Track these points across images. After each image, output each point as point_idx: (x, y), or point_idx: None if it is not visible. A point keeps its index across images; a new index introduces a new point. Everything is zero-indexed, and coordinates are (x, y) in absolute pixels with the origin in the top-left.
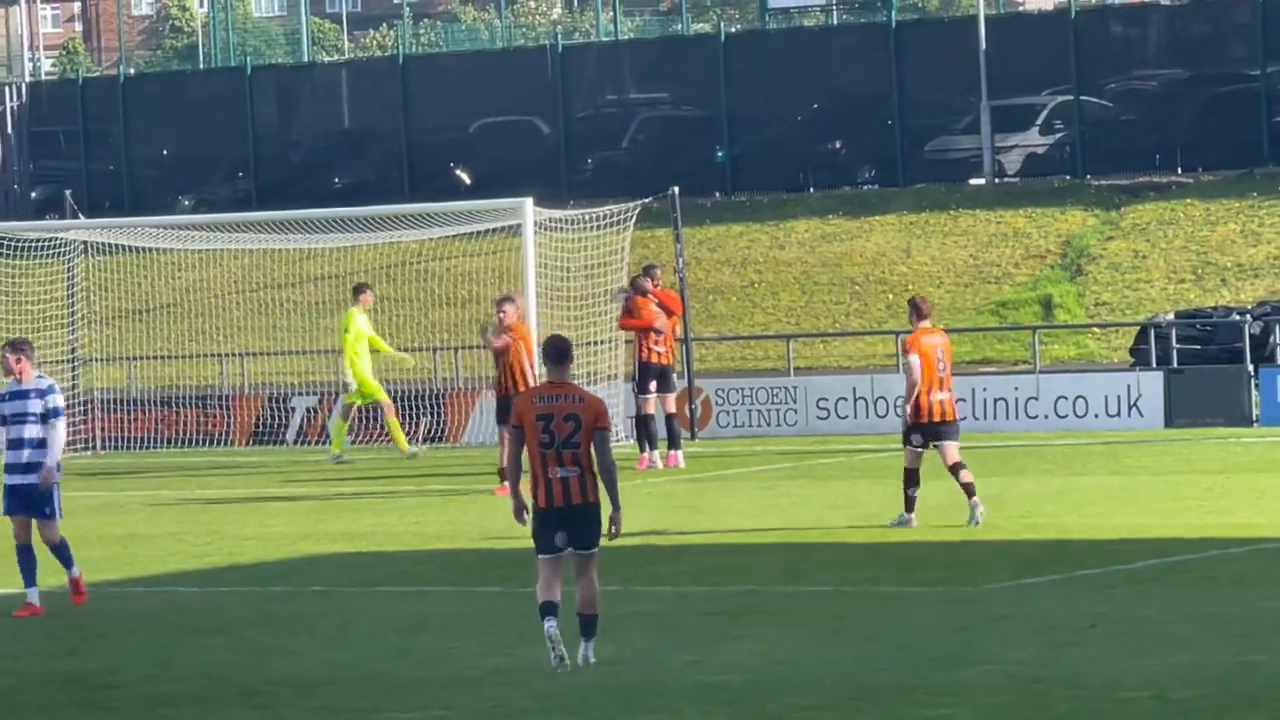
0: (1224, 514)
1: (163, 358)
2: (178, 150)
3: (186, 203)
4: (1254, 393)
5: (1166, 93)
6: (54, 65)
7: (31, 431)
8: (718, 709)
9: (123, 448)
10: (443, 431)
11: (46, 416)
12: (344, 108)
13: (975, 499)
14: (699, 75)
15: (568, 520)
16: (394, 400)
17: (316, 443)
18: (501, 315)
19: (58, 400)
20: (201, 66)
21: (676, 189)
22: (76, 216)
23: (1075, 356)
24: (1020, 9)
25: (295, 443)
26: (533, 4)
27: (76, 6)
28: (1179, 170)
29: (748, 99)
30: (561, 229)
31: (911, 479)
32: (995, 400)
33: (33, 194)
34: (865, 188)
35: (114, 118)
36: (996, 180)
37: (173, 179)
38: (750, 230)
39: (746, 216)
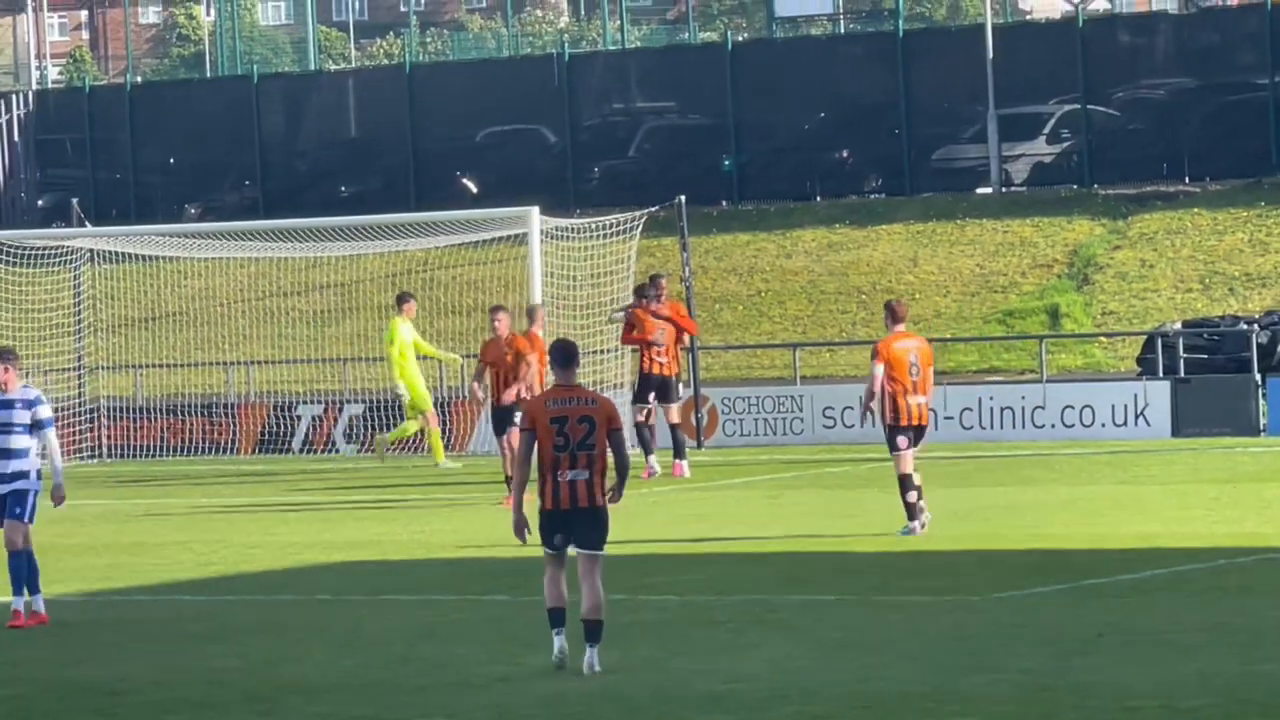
0: (1231, 523)
1: (169, 366)
2: (184, 159)
3: (193, 211)
4: (1261, 402)
5: (1174, 102)
6: (61, 73)
7: (16, 442)
8: (724, 718)
9: (129, 456)
10: (449, 440)
11: (33, 428)
12: (350, 116)
13: (915, 522)
14: (706, 84)
15: (572, 522)
16: (400, 408)
17: (322, 451)
18: (497, 324)
19: (46, 411)
20: (208, 75)
21: (683, 198)
22: (83, 225)
23: (1082, 366)
24: (1028, 18)
25: (301, 451)
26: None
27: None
28: (1186, 179)
29: (754, 108)
30: (568, 238)
31: (907, 484)
32: (1002, 409)
33: (39, 202)
34: (872, 197)
35: (121, 126)
36: (1003, 189)
37: (179, 187)
38: (757, 239)
39: (753, 225)
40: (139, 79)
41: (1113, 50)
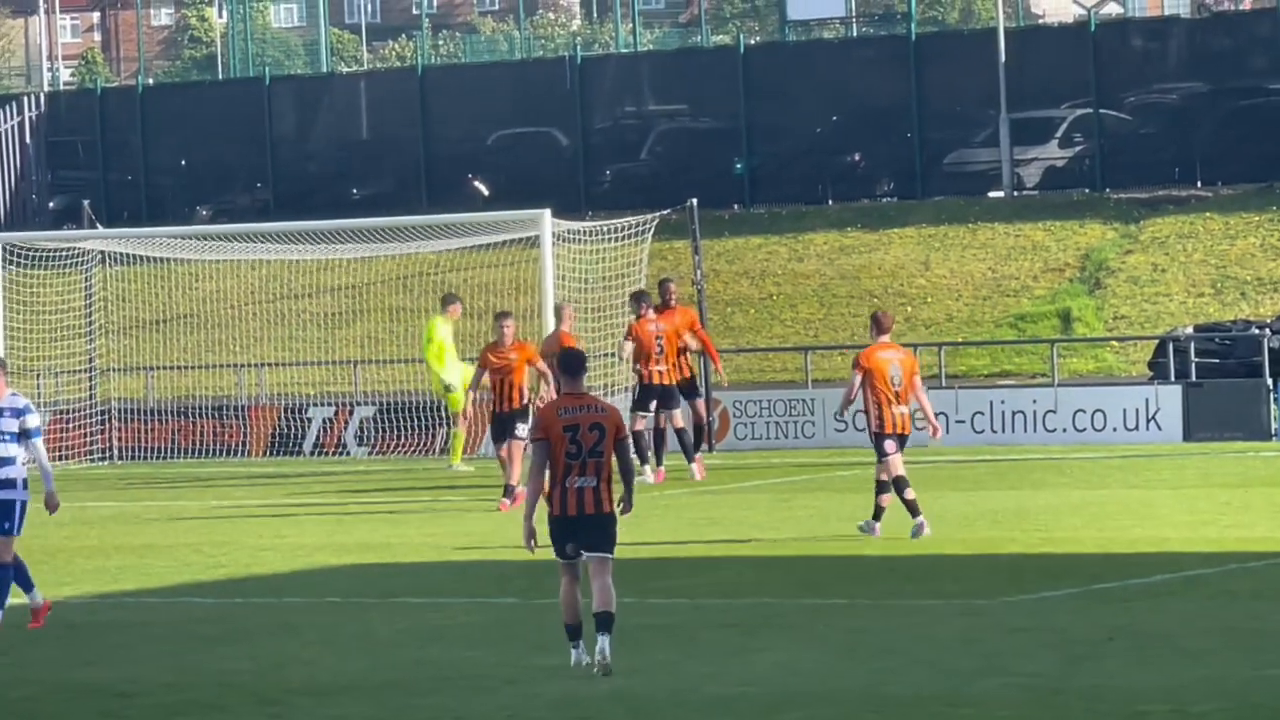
0: (1242, 528)
1: (180, 368)
2: (196, 160)
3: (204, 213)
4: (1273, 406)
5: (1186, 106)
6: (73, 75)
7: (4, 450)
8: None
9: (140, 458)
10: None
11: (21, 436)
12: (362, 118)
13: (878, 523)
14: (718, 87)
15: (581, 529)
16: (411, 411)
17: (333, 453)
18: (505, 329)
19: (35, 420)
20: (220, 77)
21: (695, 201)
22: (94, 226)
23: (1094, 370)
24: (1040, 22)
25: (312, 454)
26: (552, 15)
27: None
28: (1198, 184)
29: (767, 111)
30: (579, 240)
31: (901, 484)
32: (1014, 413)
33: (51, 204)
34: (884, 200)
35: (132, 128)
36: (1015, 193)
37: (191, 189)
38: (769, 242)
39: (765, 229)
40: (151, 81)
41: (1125, 54)
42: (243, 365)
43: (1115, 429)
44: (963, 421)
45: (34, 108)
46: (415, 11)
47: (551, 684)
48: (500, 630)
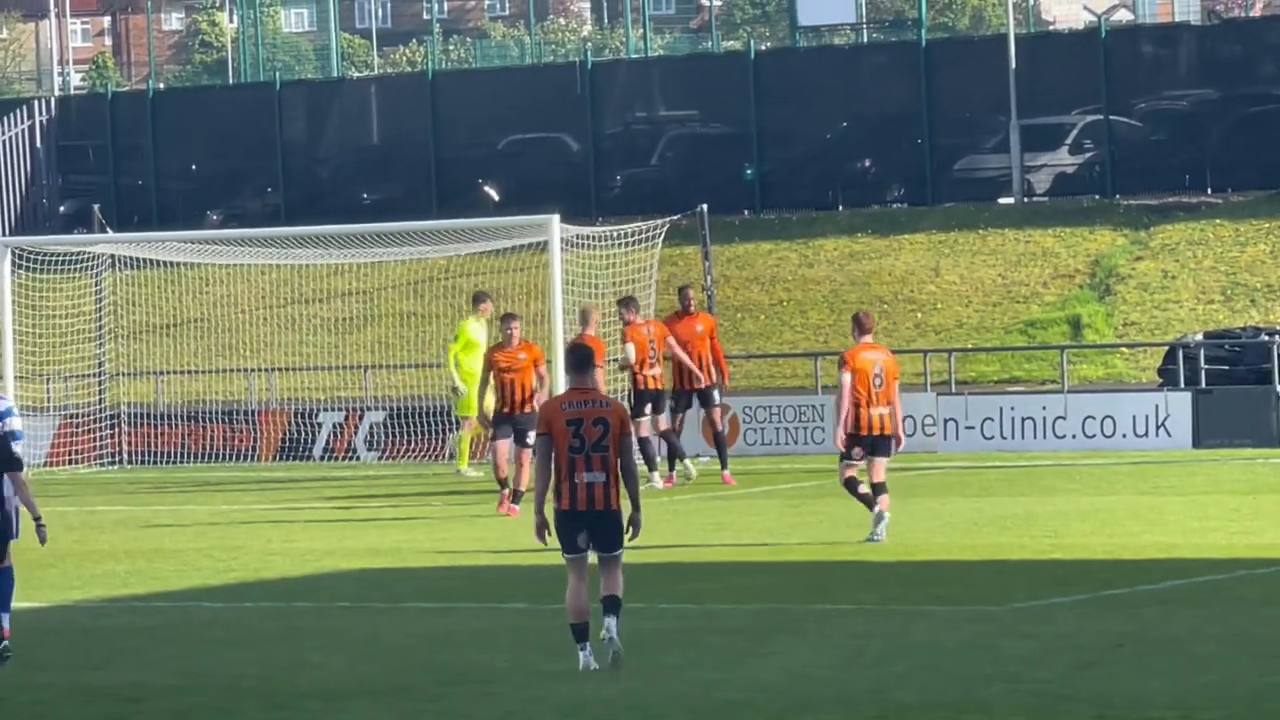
0: (1251, 535)
1: (190, 372)
2: (206, 165)
3: (215, 217)
4: None
5: (1196, 113)
6: (83, 80)
7: None
8: None
9: (149, 462)
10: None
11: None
12: (373, 123)
13: (878, 526)
14: (728, 93)
15: (589, 524)
16: (421, 415)
17: (343, 458)
18: (510, 332)
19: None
20: (231, 82)
21: (705, 206)
22: (105, 231)
23: (1103, 376)
24: (1051, 28)
25: (322, 458)
26: (562, 20)
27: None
28: (1209, 190)
29: (777, 117)
30: (589, 246)
31: (852, 486)
32: (1023, 420)
33: (61, 208)
34: (894, 206)
35: (143, 132)
36: (1025, 199)
37: (201, 194)
38: (779, 248)
39: (775, 234)
40: (161, 85)
41: (1135, 61)
42: (253, 370)
43: (1125, 435)
44: (972, 427)
45: (44, 112)
46: (426, 16)
47: (560, 689)
48: (509, 635)
